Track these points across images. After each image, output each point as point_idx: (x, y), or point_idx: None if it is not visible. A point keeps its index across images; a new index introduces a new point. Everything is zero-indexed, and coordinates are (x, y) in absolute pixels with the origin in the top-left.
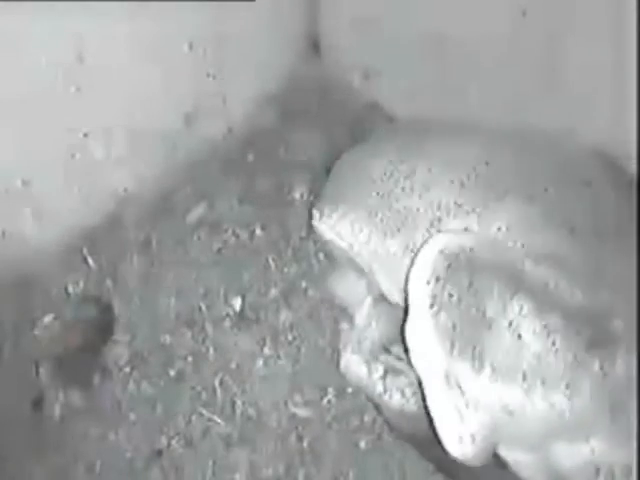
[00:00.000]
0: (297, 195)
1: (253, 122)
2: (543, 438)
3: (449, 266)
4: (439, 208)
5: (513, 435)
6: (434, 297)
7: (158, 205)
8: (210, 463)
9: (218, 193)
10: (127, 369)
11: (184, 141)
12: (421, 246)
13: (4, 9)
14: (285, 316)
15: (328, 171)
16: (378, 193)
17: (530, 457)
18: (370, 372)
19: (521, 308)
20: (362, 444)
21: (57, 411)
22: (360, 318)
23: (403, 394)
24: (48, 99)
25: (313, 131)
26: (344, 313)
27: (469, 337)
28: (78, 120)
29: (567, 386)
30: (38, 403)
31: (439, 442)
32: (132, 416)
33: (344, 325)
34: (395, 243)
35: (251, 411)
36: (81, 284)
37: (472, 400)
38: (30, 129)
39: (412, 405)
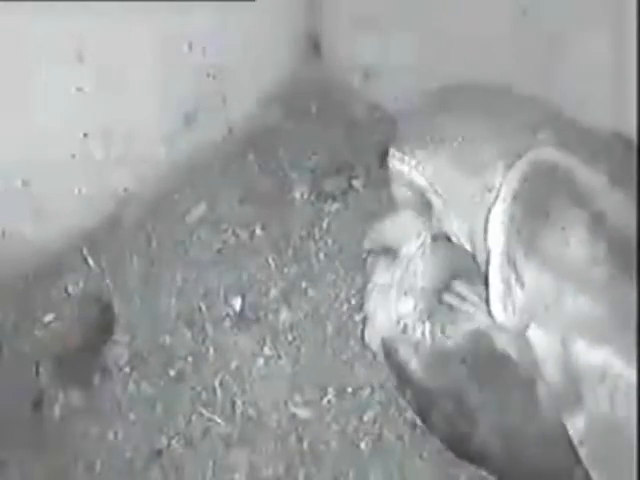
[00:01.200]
0: (297, 195)
1: (253, 122)
2: (567, 331)
3: (535, 170)
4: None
5: (544, 321)
6: (517, 191)
7: (158, 205)
8: (210, 463)
9: (218, 193)
10: (127, 369)
11: (184, 141)
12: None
13: (4, 9)
14: (285, 316)
15: (327, 170)
16: (463, 137)
17: (552, 348)
18: (414, 311)
19: (575, 217)
20: (362, 444)
21: (57, 411)
22: (409, 252)
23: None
24: (48, 99)
25: (313, 131)
26: (384, 255)
27: (532, 230)
28: (78, 120)
29: (595, 293)
30: (38, 403)
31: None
32: (132, 416)
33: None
34: (475, 184)
35: (251, 411)
36: (81, 284)
37: (520, 279)
38: (30, 129)
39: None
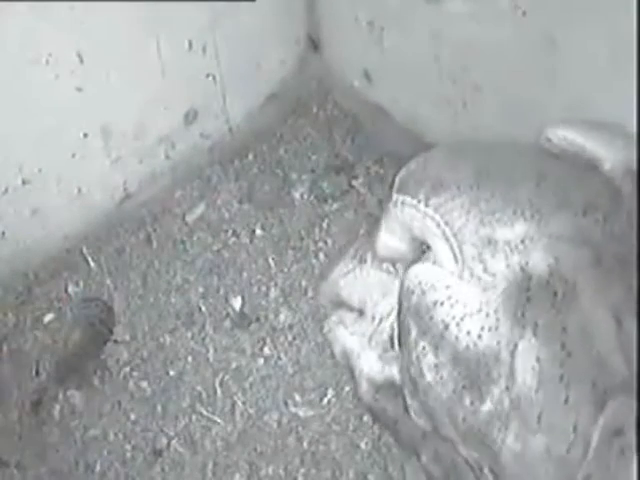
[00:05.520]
0: (297, 195)
1: (253, 122)
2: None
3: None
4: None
5: None
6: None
7: (158, 205)
8: (210, 463)
9: (218, 193)
10: (127, 369)
11: (184, 141)
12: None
13: (4, 9)
14: (285, 316)
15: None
16: (478, 186)
17: None
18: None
19: (423, 348)
20: (362, 444)
21: (57, 411)
22: (378, 312)
23: None
24: (48, 99)
25: (313, 131)
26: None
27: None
28: (78, 120)
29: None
30: (38, 403)
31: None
32: (132, 416)
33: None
34: (482, 233)
35: (251, 411)
36: (81, 284)
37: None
38: (30, 129)
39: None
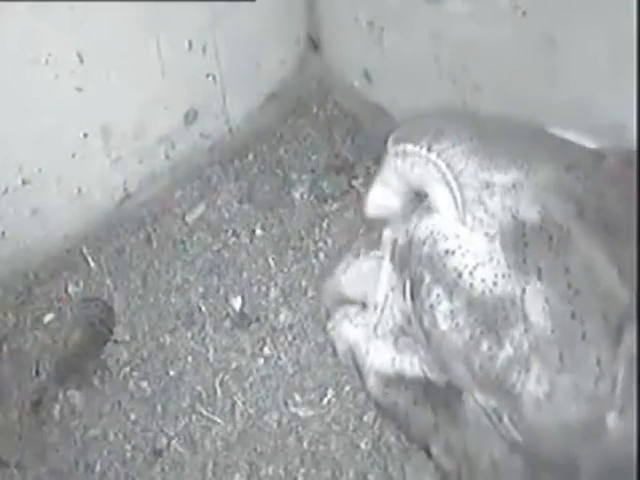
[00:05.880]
0: (297, 195)
1: (253, 122)
2: None
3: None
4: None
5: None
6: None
7: (158, 205)
8: (210, 463)
9: (218, 193)
10: (127, 369)
11: (184, 141)
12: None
13: (4, 9)
14: (285, 316)
15: (327, 170)
16: (479, 136)
17: None
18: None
19: (437, 296)
20: (362, 444)
21: (57, 411)
22: (379, 301)
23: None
24: (48, 99)
25: (313, 131)
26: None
27: (412, 309)
28: (78, 120)
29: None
30: (38, 403)
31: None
32: (132, 416)
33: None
34: (481, 178)
35: (251, 411)
36: (81, 284)
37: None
38: (30, 129)
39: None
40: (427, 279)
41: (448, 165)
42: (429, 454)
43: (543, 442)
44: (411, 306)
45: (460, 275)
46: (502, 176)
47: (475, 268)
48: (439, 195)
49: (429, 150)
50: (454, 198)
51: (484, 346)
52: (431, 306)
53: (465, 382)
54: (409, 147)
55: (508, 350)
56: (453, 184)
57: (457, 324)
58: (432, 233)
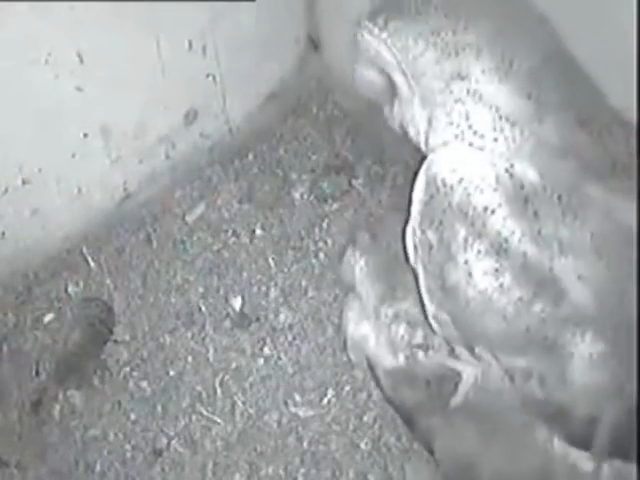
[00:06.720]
0: (297, 195)
1: (253, 122)
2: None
3: (431, 196)
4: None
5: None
6: (421, 211)
7: (158, 205)
8: (210, 463)
9: (218, 193)
10: (127, 369)
11: (184, 141)
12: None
13: (4, 9)
14: (285, 316)
15: (327, 170)
16: (446, 14)
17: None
18: None
19: (478, 252)
20: (362, 444)
21: (57, 411)
22: None
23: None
24: (48, 99)
25: (313, 131)
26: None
27: (438, 262)
28: (78, 120)
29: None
30: (38, 403)
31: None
32: (132, 416)
33: None
34: (447, 67)
35: (251, 411)
36: (81, 284)
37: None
38: (30, 129)
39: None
40: (462, 232)
41: (402, 48)
42: (432, 453)
43: (580, 401)
44: (427, 255)
45: (507, 240)
46: (479, 65)
47: (524, 234)
48: (398, 81)
49: (381, 29)
50: (409, 86)
51: (537, 307)
52: (467, 262)
53: (488, 342)
54: (366, 24)
55: (566, 310)
56: (407, 71)
57: (502, 284)
58: (462, 180)
